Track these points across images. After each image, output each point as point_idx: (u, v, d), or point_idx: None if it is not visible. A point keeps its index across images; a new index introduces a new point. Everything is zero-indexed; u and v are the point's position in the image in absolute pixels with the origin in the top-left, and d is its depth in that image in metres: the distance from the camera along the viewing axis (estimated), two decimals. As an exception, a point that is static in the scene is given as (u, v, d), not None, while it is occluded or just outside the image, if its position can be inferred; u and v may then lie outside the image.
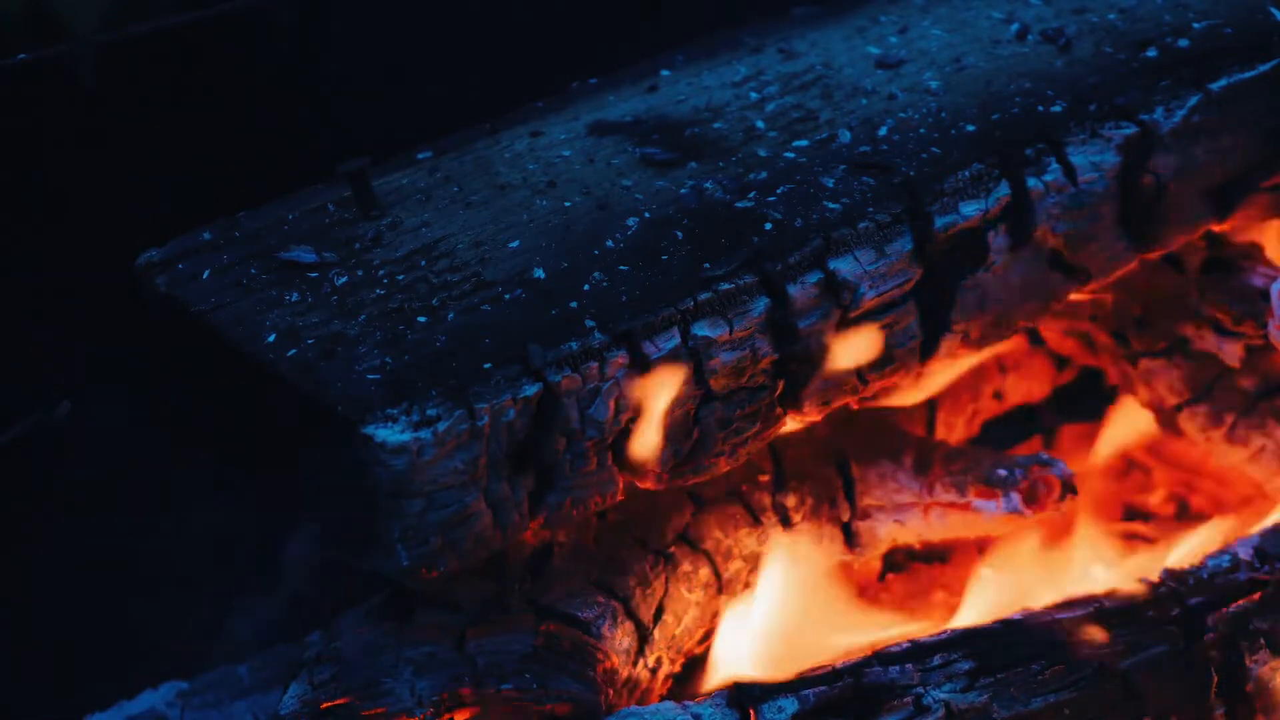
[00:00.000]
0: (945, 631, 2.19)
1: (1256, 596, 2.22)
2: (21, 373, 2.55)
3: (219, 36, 2.60)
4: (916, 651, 2.16)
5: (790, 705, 2.11)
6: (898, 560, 2.68)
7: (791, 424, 2.28)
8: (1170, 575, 2.26)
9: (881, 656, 2.16)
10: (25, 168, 2.52)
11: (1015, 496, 2.45)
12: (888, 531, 2.51)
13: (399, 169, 2.41)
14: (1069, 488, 2.45)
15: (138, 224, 2.43)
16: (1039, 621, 2.20)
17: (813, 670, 2.16)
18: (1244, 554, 2.26)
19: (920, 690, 2.13)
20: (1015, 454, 2.54)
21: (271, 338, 2.17)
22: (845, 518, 2.51)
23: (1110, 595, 2.24)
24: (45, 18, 2.58)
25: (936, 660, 2.15)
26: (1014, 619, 2.21)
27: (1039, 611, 2.22)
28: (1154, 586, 2.25)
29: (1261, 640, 2.20)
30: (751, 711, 2.11)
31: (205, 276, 2.27)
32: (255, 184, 2.42)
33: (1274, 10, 2.47)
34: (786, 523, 2.48)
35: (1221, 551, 2.27)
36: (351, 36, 2.66)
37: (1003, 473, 2.46)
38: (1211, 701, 2.20)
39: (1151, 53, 2.43)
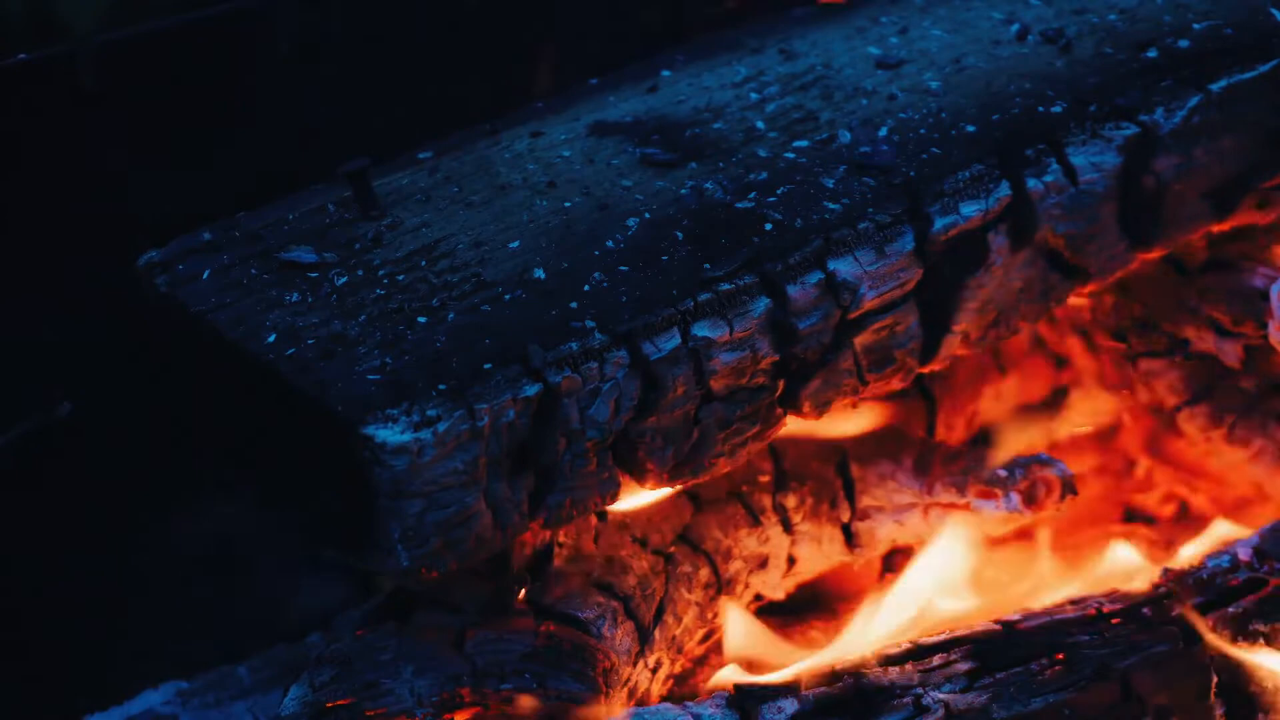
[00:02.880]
0: (945, 632, 2.20)
1: (1256, 596, 2.22)
2: (21, 373, 2.54)
3: (219, 36, 2.60)
4: (916, 652, 2.16)
5: (790, 706, 2.11)
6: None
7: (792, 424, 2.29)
8: (1170, 575, 2.26)
9: (881, 657, 2.16)
10: (25, 167, 2.52)
11: (1015, 496, 2.45)
12: (887, 532, 2.52)
13: (399, 169, 2.41)
14: (1069, 488, 2.45)
15: (138, 224, 2.43)
16: (1038, 622, 2.20)
17: (813, 671, 2.16)
18: (1244, 554, 2.26)
19: (920, 690, 2.13)
20: (1015, 454, 2.54)
21: (271, 338, 2.17)
22: (845, 518, 2.51)
23: (1110, 595, 2.24)
24: (45, 18, 2.58)
25: (936, 660, 2.15)
26: (1013, 619, 2.21)
27: (1038, 612, 2.22)
28: (1154, 586, 2.25)
29: (1261, 640, 2.20)
30: (751, 712, 2.11)
31: (205, 277, 2.27)
32: (255, 184, 2.42)
33: (1274, 11, 2.47)
34: (786, 523, 2.48)
35: (1221, 551, 2.27)
36: (351, 36, 2.66)
37: (1002, 473, 2.46)
38: (1211, 701, 2.20)
39: (1152, 53, 2.43)
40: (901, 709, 2.12)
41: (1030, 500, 2.45)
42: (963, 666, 2.15)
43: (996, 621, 2.21)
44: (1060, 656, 2.15)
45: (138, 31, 2.56)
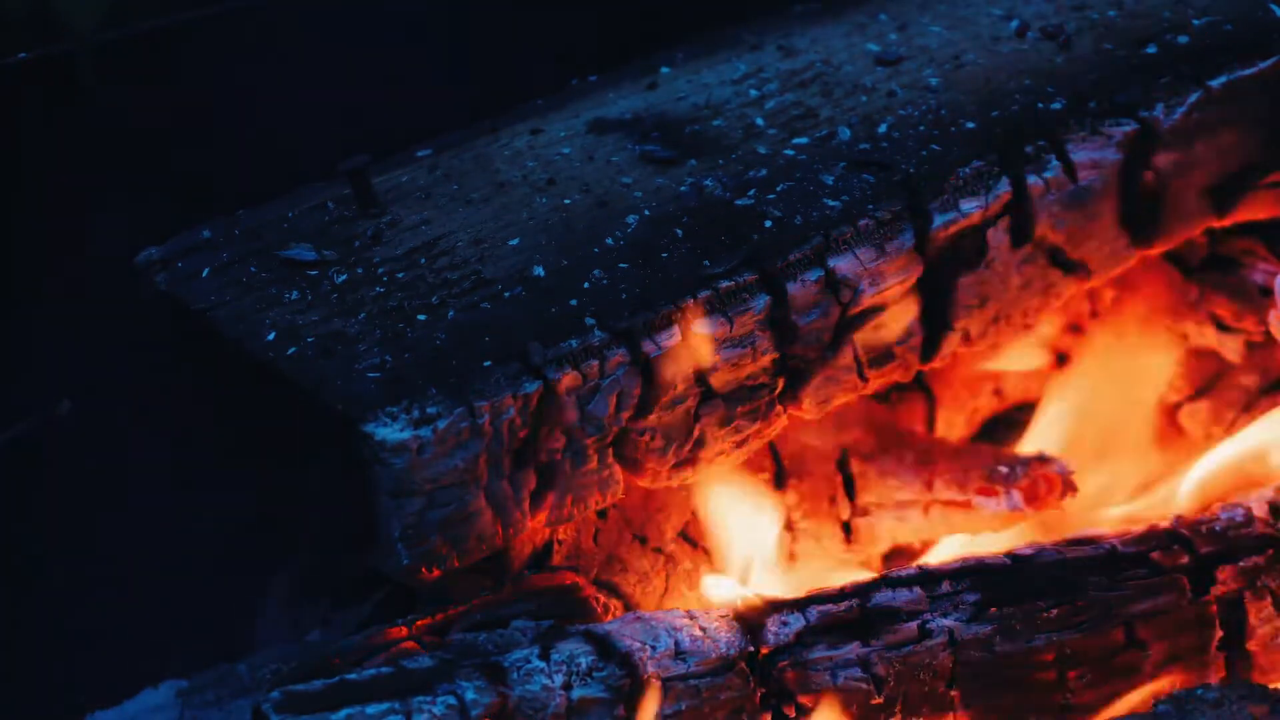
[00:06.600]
0: (956, 561, 2.19)
1: (1268, 553, 2.21)
2: (21, 373, 2.54)
3: (218, 36, 2.60)
4: (925, 578, 2.16)
5: (795, 621, 2.12)
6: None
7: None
8: (1183, 523, 2.25)
9: (890, 580, 2.16)
10: (25, 167, 2.52)
11: (1016, 494, 2.45)
12: (887, 529, 2.51)
13: (399, 166, 2.41)
14: (1069, 485, 2.45)
15: (138, 223, 2.43)
16: (1050, 558, 2.19)
17: (821, 590, 2.16)
18: (1258, 509, 2.25)
19: (926, 616, 2.13)
20: (1015, 451, 2.54)
21: (271, 336, 2.17)
22: (845, 515, 2.51)
23: (1124, 537, 2.23)
24: (45, 17, 2.58)
25: (944, 588, 2.16)
26: (1025, 554, 2.20)
27: (1050, 548, 2.21)
28: (1166, 532, 2.23)
29: (1269, 598, 2.20)
30: (757, 626, 2.11)
31: (205, 275, 2.27)
32: (255, 183, 2.42)
33: (1274, 7, 2.47)
34: (786, 520, 2.48)
35: (1235, 505, 2.26)
36: (351, 35, 2.66)
37: (1004, 470, 2.46)
38: (1212, 654, 2.19)
39: (1151, 49, 2.43)
40: (906, 631, 2.12)
41: (1032, 498, 2.45)
42: (970, 597, 2.15)
43: (1008, 555, 2.20)
44: (1068, 596, 2.15)
45: (138, 31, 2.56)
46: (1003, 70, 2.44)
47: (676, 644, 2.09)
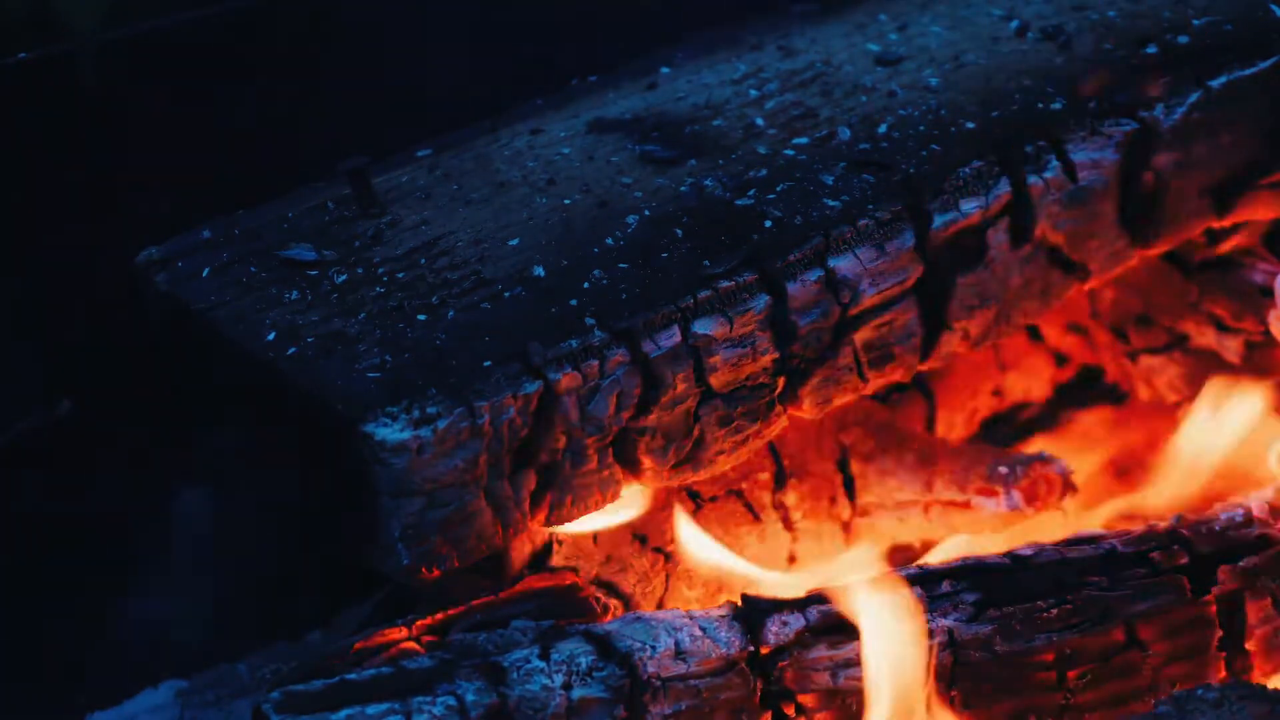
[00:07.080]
0: (956, 560, 2.19)
1: (1268, 553, 2.21)
2: (21, 373, 2.54)
3: (219, 36, 2.60)
4: (925, 578, 2.16)
5: (795, 621, 2.12)
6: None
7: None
8: (1183, 523, 2.25)
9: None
10: (25, 167, 2.52)
11: (1016, 494, 2.45)
12: (888, 529, 2.52)
13: (399, 166, 2.42)
14: (1069, 485, 2.45)
15: (138, 223, 2.43)
16: (1049, 558, 2.19)
17: (821, 590, 2.17)
18: (1257, 509, 2.25)
19: (926, 616, 2.13)
20: (1015, 452, 2.54)
21: (271, 336, 2.17)
22: (845, 516, 2.51)
23: (1123, 537, 2.23)
24: (45, 17, 2.58)
25: (944, 588, 2.16)
26: (1025, 554, 2.20)
27: (1049, 549, 2.21)
28: (1166, 531, 2.24)
29: (1269, 598, 2.20)
30: (756, 625, 2.11)
31: (205, 275, 2.27)
32: (255, 183, 2.41)
33: (1274, 7, 2.47)
34: (786, 521, 2.48)
35: (1235, 504, 2.26)
36: (352, 35, 2.66)
37: (1004, 470, 2.46)
38: (1211, 654, 2.19)
39: (1151, 49, 2.43)
40: None
41: (1031, 498, 2.45)
42: (969, 597, 2.15)
43: (1007, 555, 2.21)
44: (1068, 596, 2.15)
45: (138, 31, 2.56)
46: (1003, 70, 2.44)
47: (676, 644, 2.09)
